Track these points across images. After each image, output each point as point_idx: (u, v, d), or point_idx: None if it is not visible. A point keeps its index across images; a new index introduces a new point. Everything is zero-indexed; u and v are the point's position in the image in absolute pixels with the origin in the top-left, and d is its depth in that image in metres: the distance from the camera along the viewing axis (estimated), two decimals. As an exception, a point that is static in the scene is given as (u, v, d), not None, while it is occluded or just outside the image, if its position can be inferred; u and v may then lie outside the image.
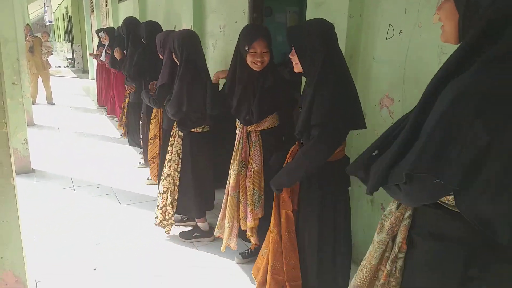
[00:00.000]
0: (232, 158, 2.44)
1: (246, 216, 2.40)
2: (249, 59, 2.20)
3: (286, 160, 1.99)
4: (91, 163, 4.66)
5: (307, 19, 2.64)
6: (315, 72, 1.75)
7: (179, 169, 2.82)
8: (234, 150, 2.43)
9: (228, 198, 2.46)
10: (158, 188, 3.02)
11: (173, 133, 2.82)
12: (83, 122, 6.88)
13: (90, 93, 10.21)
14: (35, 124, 6.46)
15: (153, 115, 3.51)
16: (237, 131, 2.44)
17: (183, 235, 2.95)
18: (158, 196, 2.95)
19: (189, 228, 3.02)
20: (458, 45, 1.01)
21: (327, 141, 1.76)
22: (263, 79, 2.26)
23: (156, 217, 2.93)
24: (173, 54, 2.80)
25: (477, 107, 0.86)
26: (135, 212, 3.38)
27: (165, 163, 2.87)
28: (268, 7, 5.97)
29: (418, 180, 0.98)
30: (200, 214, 2.93)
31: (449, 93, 0.91)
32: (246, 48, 2.18)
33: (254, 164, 2.35)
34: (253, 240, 2.47)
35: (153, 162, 3.68)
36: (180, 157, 2.81)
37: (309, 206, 1.95)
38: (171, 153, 2.82)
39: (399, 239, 1.17)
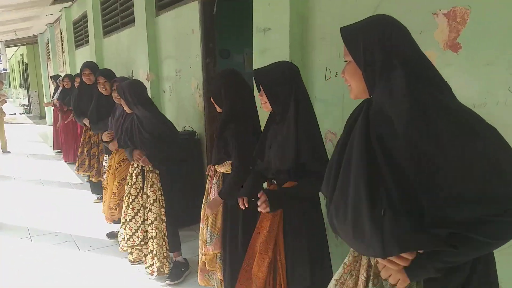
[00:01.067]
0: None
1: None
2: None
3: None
4: (48, 210, 4.57)
5: (254, 64, 2.85)
6: (286, 110, 1.84)
7: (164, 205, 2.88)
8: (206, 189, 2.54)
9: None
10: (128, 234, 2.96)
11: (150, 174, 2.85)
12: (40, 169, 6.73)
13: (48, 139, 10.00)
14: (-12, 175, 6.27)
15: (122, 158, 3.38)
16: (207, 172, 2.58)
17: (173, 277, 2.91)
18: (145, 244, 2.95)
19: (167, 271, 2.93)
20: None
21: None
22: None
23: (152, 265, 2.90)
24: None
25: None
26: (95, 258, 3.34)
27: (144, 207, 2.90)
28: (225, 49, 6.25)
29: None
30: (178, 246, 3.05)
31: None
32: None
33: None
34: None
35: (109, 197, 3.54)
36: (162, 193, 2.89)
37: (294, 241, 1.91)
38: (154, 193, 2.84)
39: None
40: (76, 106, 4.45)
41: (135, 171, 2.92)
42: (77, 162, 4.82)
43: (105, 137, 3.41)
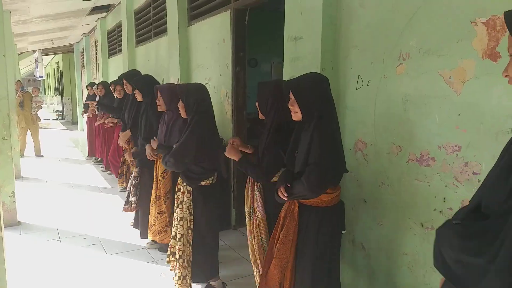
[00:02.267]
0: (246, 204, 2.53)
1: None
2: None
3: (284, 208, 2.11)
4: (77, 213, 4.67)
5: (284, 72, 2.85)
6: (312, 119, 1.93)
7: (192, 227, 2.68)
8: (245, 196, 2.52)
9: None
10: (169, 251, 2.81)
11: (180, 188, 2.70)
12: (71, 173, 6.91)
13: (78, 145, 10.29)
14: (22, 177, 6.47)
15: (164, 168, 3.13)
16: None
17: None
18: (173, 265, 2.77)
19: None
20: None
21: (317, 177, 1.88)
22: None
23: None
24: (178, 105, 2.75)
25: None
26: (121, 262, 3.37)
27: (175, 223, 2.71)
28: (253, 58, 6.32)
29: None
30: (215, 272, 2.84)
31: None
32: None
33: (258, 212, 2.42)
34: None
35: (157, 218, 3.38)
36: (192, 213, 2.68)
37: (305, 249, 2.03)
38: (182, 210, 2.66)
39: None
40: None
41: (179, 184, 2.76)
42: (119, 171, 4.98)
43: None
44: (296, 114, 1.99)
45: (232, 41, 3.80)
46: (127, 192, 3.71)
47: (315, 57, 2.54)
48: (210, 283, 2.85)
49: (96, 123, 6.68)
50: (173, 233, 2.75)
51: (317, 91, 1.96)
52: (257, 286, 2.20)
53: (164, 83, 5.43)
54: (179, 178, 2.74)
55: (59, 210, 4.80)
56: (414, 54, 2.05)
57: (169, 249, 2.79)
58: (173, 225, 2.76)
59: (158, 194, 3.26)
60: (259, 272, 2.43)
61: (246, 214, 2.52)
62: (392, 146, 2.20)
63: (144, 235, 3.57)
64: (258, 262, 2.43)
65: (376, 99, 2.28)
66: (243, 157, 2.42)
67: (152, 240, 3.59)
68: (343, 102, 2.52)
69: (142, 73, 5.03)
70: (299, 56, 2.69)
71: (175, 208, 2.76)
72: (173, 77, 5.04)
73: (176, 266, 2.70)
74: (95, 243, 3.76)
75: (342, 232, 2.14)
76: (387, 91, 2.21)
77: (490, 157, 1.72)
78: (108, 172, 6.75)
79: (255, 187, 2.43)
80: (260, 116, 2.41)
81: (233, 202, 4.06)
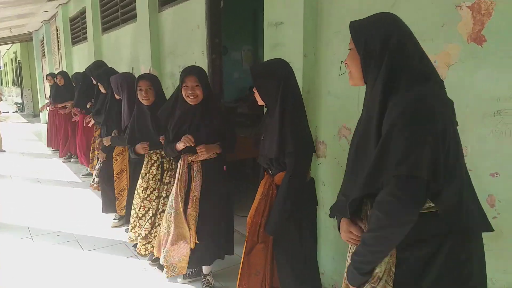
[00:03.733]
0: (176, 188, 2.59)
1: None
2: (183, 93, 2.51)
3: (260, 192, 2.15)
4: (48, 210, 4.47)
5: (265, 58, 2.80)
6: (275, 104, 2.01)
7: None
8: (176, 180, 2.60)
9: (176, 227, 2.60)
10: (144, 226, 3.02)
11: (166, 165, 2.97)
12: (36, 167, 6.62)
13: (42, 138, 9.87)
14: (-16, 174, 6.15)
15: (117, 152, 3.60)
16: (179, 162, 2.62)
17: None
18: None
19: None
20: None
21: (303, 165, 2.05)
22: (198, 113, 2.54)
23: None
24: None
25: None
26: (100, 258, 3.27)
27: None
28: (223, 45, 6.21)
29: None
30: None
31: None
32: (181, 84, 2.53)
33: (196, 192, 2.57)
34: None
35: (121, 195, 3.72)
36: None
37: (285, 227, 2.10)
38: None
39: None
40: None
41: (156, 163, 2.97)
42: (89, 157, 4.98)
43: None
44: (258, 99, 2.10)
45: (207, 27, 3.70)
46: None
47: (297, 43, 2.51)
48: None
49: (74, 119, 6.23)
50: (155, 210, 2.98)
51: (274, 77, 2.00)
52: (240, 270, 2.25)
53: (134, 71, 5.28)
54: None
55: (28, 207, 4.58)
56: (398, 39, 2.05)
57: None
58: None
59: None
60: (168, 234, 2.62)
61: (177, 196, 2.58)
62: (377, 131, 2.21)
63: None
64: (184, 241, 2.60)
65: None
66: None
67: (115, 218, 3.96)
68: (326, 88, 2.51)
69: (110, 62, 4.91)
70: (280, 42, 2.65)
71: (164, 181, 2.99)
72: (144, 65, 4.89)
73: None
74: (70, 240, 3.62)
75: (316, 206, 2.29)
76: (371, 77, 2.21)
77: (476, 139, 1.76)
78: (79, 164, 6.55)
79: (194, 168, 2.57)
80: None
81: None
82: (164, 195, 2.97)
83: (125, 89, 3.26)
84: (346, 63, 1.38)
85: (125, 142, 3.13)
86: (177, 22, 4.27)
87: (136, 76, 3.10)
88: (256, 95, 2.09)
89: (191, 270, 2.82)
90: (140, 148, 2.98)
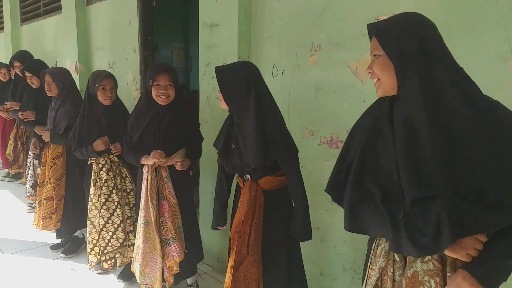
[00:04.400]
0: (145, 196, 2.33)
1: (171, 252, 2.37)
2: (154, 93, 2.30)
3: (245, 200, 1.94)
4: (-41, 213, 4.12)
5: (200, 59, 2.87)
6: (245, 109, 1.84)
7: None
8: (144, 187, 2.35)
9: (147, 239, 2.36)
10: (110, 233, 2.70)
11: (117, 168, 2.72)
12: None
13: None
14: None
15: (55, 154, 3.09)
16: (144, 169, 2.36)
17: (124, 276, 2.74)
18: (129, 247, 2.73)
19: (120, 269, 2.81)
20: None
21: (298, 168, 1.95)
22: (168, 114, 2.35)
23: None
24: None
25: None
26: (23, 261, 3.10)
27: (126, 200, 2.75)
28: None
29: None
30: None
31: None
32: (151, 82, 2.28)
33: (172, 198, 2.35)
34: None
35: (43, 204, 3.19)
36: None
37: (273, 234, 1.97)
38: (132, 183, 2.74)
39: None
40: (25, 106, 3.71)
41: (104, 167, 2.68)
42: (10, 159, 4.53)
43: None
44: (222, 103, 1.93)
45: (139, 24, 3.66)
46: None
47: (232, 45, 2.61)
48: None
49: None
50: (122, 217, 2.72)
51: (241, 80, 1.84)
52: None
53: (57, 66, 5.02)
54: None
55: None
56: (324, 46, 2.24)
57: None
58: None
59: (47, 180, 3.13)
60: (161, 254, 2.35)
61: (148, 206, 2.34)
62: (305, 131, 2.39)
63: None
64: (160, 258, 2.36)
65: (290, 87, 2.44)
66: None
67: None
68: (259, 90, 2.63)
69: (31, 55, 4.63)
70: (216, 43, 2.73)
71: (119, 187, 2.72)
72: (70, 60, 4.68)
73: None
74: (-13, 244, 3.38)
75: None
76: (300, 80, 2.38)
77: (390, 139, 1.98)
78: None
79: (163, 174, 2.34)
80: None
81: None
82: (126, 202, 2.76)
83: (69, 86, 3.10)
84: (370, 72, 1.18)
85: (70, 142, 2.83)
86: (107, 17, 4.16)
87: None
88: (220, 98, 1.92)
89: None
90: (100, 144, 2.63)
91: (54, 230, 3.23)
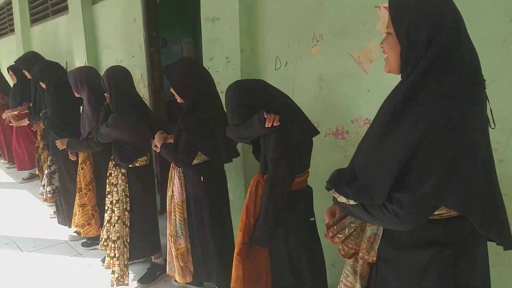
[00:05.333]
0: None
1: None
2: None
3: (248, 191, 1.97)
4: (-19, 213, 4.25)
5: (204, 53, 2.87)
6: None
7: (128, 208, 2.68)
8: (168, 182, 2.48)
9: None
10: (103, 237, 2.75)
11: (113, 172, 2.67)
12: (-36, 169, 6.20)
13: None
14: None
15: (82, 159, 3.08)
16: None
17: (144, 280, 2.77)
18: (106, 247, 2.70)
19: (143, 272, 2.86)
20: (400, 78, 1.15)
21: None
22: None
23: (114, 272, 2.61)
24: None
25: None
26: (41, 259, 3.19)
27: (111, 206, 2.67)
28: (163, 38, 6.12)
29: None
30: (157, 248, 2.86)
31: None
32: None
33: (175, 196, 2.41)
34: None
35: (80, 211, 3.18)
36: (128, 195, 2.68)
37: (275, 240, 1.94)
38: (117, 193, 2.65)
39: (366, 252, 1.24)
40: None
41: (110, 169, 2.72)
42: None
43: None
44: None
45: (144, 21, 3.67)
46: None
47: (234, 38, 2.60)
48: (154, 260, 2.88)
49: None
50: (106, 218, 2.70)
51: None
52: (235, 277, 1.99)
53: (68, 66, 5.09)
54: (110, 162, 2.69)
55: (-42, 211, 4.32)
56: (326, 36, 2.21)
57: (104, 234, 2.74)
58: (106, 209, 2.71)
59: (79, 186, 3.10)
60: (172, 251, 2.44)
61: (167, 197, 2.50)
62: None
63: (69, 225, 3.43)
64: (172, 244, 2.45)
65: (294, 79, 2.42)
66: (164, 143, 2.42)
67: (75, 232, 3.44)
68: (263, 82, 2.62)
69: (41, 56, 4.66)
70: (218, 37, 2.72)
71: (107, 192, 2.69)
72: (79, 60, 4.73)
73: (112, 247, 2.64)
74: (7, 242, 3.49)
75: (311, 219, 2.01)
76: (303, 71, 2.36)
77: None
78: (6, 165, 6.19)
79: (175, 171, 2.41)
80: (179, 100, 2.29)
81: (157, 187, 4.01)
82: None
83: (86, 86, 2.88)
84: (382, 47, 1.19)
85: (89, 147, 2.87)
86: (112, 15, 4.18)
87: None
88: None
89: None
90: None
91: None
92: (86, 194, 3.09)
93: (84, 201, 3.11)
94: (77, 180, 3.11)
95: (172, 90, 2.29)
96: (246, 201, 1.95)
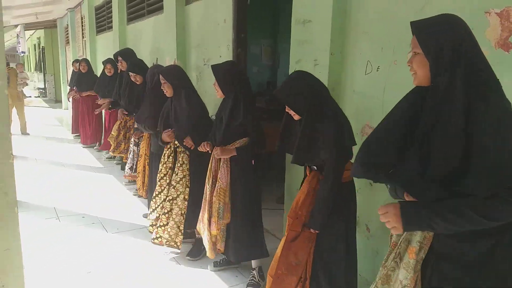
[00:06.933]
0: (207, 177, 2.74)
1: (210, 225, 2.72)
2: None
3: (306, 186, 2.13)
4: (73, 193, 4.65)
5: (291, 54, 2.88)
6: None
7: (189, 185, 3.04)
8: (208, 169, 2.74)
9: (203, 209, 2.77)
10: (152, 207, 3.16)
11: (180, 153, 3.03)
12: (59, 152, 6.83)
13: (64, 123, 10.13)
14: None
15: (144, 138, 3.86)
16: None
17: (193, 254, 3.10)
18: (156, 214, 3.12)
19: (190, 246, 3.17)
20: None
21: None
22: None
23: (159, 237, 3.06)
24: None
25: None
26: (123, 240, 3.41)
27: (174, 183, 3.02)
28: (243, 40, 6.29)
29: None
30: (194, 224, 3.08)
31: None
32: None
33: (221, 182, 2.63)
34: (218, 245, 2.75)
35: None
36: (189, 175, 3.04)
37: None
38: (183, 172, 3.01)
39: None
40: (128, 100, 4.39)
41: (167, 152, 3.08)
42: (112, 144, 5.03)
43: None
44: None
45: (233, 22, 3.78)
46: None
47: (324, 41, 2.58)
48: (198, 236, 3.09)
49: (97, 111, 6.09)
50: (165, 196, 3.08)
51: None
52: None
53: (158, 63, 5.39)
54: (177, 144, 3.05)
55: (54, 189, 4.77)
56: (425, 42, 2.10)
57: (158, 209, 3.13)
58: (173, 185, 3.04)
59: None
60: (209, 234, 2.73)
61: (206, 187, 2.73)
62: (400, 131, 2.27)
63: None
64: (206, 227, 2.72)
65: (385, 85, 2.34)
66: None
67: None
68: (351, 87, 2.57)
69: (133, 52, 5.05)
70: (307, 39, 2.72)
71: (175, 170, 3.04)
72: (169, 57, 5.00)
73: (169, 217, 3.04)
74: (94, 222, 3.78)
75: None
76: (397, 78, 2.27)
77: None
78: (96, 149, 6.82)
79: (222, 161, 2.64)
80: (220, 95, 2.64)
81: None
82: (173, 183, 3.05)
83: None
84: (409, 65, 1.36)
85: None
86: (203, 15, 4.36)
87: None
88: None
89: (222, 258, 2.94)
90: (165, 137, 3.07)
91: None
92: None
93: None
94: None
95: (215, 86, 2.63)
96: (303, 194, 2.10)
